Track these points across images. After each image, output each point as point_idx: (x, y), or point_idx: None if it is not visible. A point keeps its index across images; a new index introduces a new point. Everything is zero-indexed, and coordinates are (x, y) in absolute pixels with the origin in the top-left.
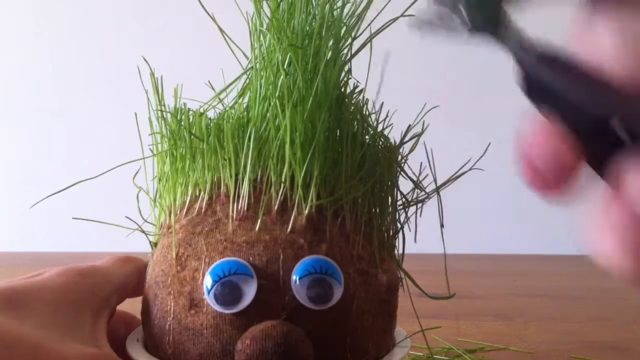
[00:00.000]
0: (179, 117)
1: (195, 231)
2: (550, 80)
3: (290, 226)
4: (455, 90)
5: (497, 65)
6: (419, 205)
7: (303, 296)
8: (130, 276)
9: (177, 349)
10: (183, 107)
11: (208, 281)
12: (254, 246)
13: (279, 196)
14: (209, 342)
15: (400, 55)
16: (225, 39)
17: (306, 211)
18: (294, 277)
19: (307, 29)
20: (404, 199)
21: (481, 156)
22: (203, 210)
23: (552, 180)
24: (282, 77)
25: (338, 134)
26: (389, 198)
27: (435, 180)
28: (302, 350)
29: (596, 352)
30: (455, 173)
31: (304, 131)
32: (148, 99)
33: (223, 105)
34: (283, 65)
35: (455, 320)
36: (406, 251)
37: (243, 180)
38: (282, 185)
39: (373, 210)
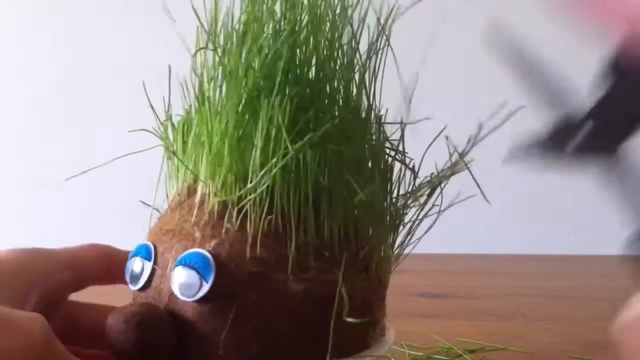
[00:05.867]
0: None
1: (160, 217)
2: None
3: (194, 219)
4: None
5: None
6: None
7: (175, 285)
8: (89, 259)
9: None
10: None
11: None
12: (167, 234)
13: (202, 191)
14: None
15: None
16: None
17: (210, 206)
18: (174, 267)
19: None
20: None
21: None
22: (170, 201)
23: None
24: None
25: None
26: (336, 200)
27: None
28: (144, 330)
29: (596, 352)
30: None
31: (209, 126)
32: (150, 102)
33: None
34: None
35: (455, 320)
36: (405, 251)
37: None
38: (197, 179)
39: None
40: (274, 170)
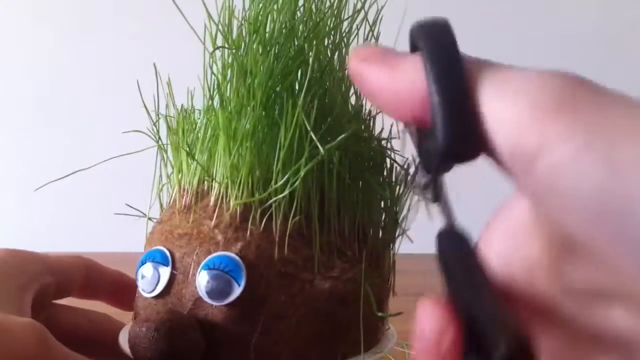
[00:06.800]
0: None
1: (161, 220)
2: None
3: (214, 222)
4: None
5: None
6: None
7: (202, 290)
8: (72, 266)
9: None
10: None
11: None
12: (181, 238)
13: (217, 192)
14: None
15: None
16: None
17: (231, 209)
18: (199, 271)
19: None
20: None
21: None
22: (175, 202)
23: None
24: (215, 78)
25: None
26: (350, 199)
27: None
28: (176, 338)
29: None
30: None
31: (229, 127)
32: (143, 104)
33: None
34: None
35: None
36: (405, 251)
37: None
38: (213, 181)
39: (322, 210)
40: (303, 171)
